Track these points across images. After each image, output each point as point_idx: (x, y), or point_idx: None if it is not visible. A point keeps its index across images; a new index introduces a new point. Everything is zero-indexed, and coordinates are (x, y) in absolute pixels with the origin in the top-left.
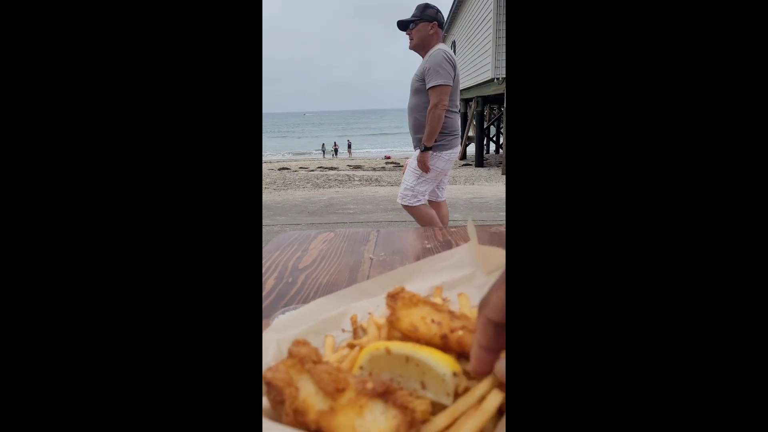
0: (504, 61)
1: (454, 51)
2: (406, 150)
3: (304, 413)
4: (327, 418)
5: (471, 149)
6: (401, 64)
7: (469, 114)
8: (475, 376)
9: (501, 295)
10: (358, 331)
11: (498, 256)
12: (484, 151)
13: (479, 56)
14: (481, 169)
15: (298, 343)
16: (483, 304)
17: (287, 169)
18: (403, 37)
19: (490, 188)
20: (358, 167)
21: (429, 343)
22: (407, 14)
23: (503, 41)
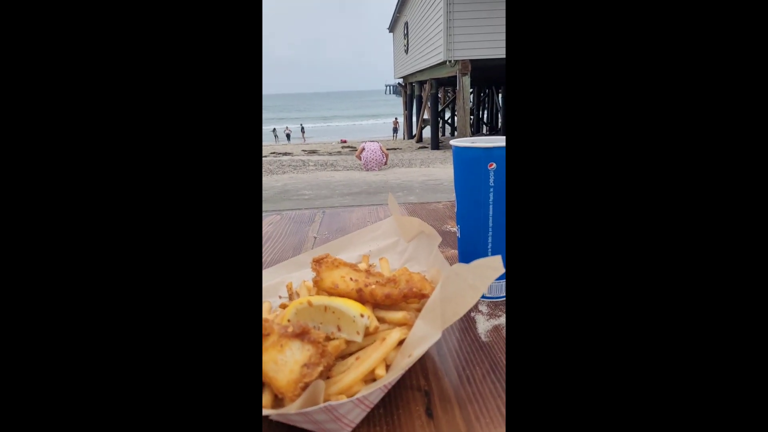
0: (456, 44)
1: (407, 32)
2: (362, 135)
3: None
4: None
5: (426, 132)
6: (353, 43)
7: (424, 97)
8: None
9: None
10: (293, 296)
11: (415, 225)
12: (440, 134)
13: (431, 38)
14: (436, 152)
15: None
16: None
17: None
18: (359, 14)
19: (445, 171)
20: (313, 152)
21: (347, 296)
22: None
23: (455, 23)
